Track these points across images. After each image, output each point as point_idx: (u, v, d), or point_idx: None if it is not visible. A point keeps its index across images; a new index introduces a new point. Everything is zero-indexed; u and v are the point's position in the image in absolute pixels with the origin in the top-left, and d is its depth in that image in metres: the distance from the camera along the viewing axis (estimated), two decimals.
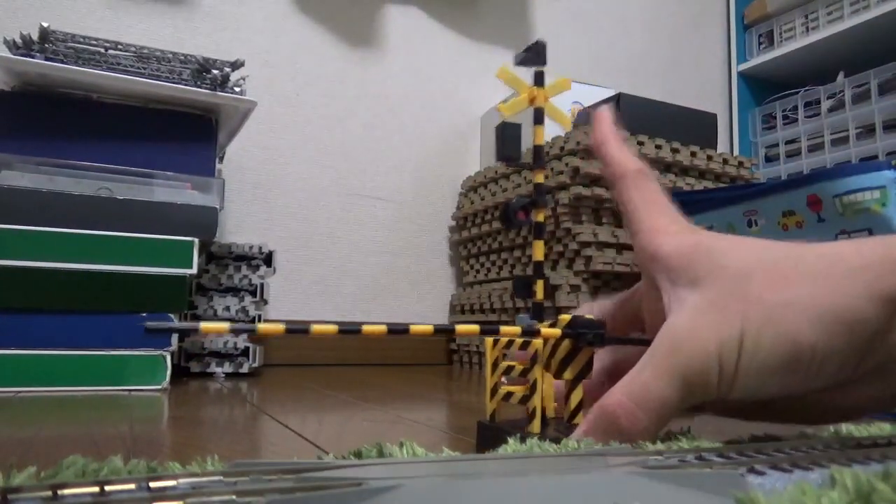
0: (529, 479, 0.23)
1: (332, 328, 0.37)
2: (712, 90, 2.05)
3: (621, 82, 1.86)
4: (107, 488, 0.21)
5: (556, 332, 0.44)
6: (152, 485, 0.21)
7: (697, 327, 0.34)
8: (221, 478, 0.22)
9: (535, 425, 0.45)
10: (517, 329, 0.43)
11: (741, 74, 2.03)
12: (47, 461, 0.27)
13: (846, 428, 0.38)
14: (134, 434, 0.56)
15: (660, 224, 0.40)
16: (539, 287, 0.50)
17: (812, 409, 0.36)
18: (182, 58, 1.00)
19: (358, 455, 0.31)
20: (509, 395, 0.49)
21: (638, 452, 0.29)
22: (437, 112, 1.67)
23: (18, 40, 0.91)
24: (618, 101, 1.28)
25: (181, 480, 0.22)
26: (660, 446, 0.32)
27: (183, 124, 1.02)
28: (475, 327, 0.41)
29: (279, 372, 1.26)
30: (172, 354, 0.93)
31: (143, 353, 0.91)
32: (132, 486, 0.21)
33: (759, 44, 2.00)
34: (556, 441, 0.38)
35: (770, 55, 1.93)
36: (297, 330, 0.37)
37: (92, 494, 0.20)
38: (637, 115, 1.28)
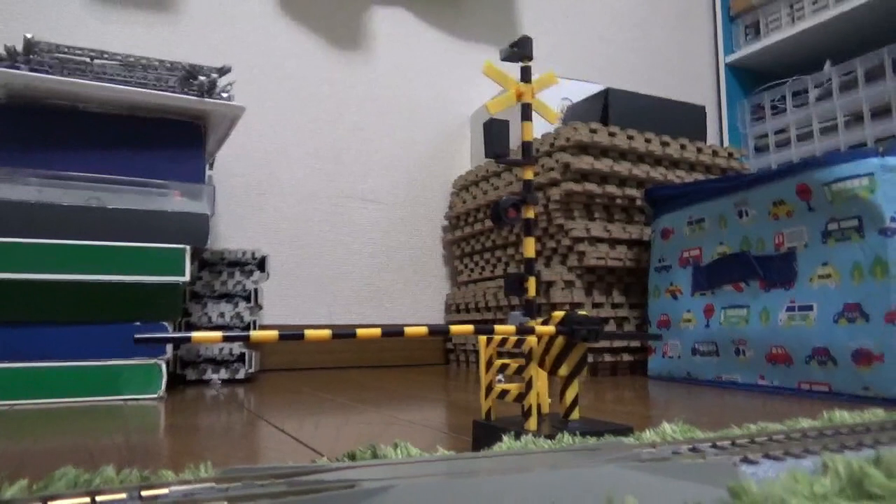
0: (524, 476, 0.23)
1: (326, 333, 0.37)
2: (700, 82, 2.05)
3: (609, 77, 1.87)
4: (98, 498, 0.20)
5: (551, 329, 0.44)
6: (144, 493, 0.21)
7: None
8: (214, 484, 0.22)
9: (532, 423, 0.45)
10: (512, 328, 0.43)
11: (729, 66, 2.03)
12: (41, 473, 0.27)
13: (839, 414, 0.38)
14: (130, 444, 0.56)
15: None
16: (531, 284, 0.50)
17: None
18: (168, 65, 0.99)
19: (352, 457, 0.31)
20: (505, 393, 0.50)
21: (631, 446, 0.29)
22: (426, 112, 1.67)
23: (3, 52, 0.91)
24: (606, 96, 1.29)
25: (173, 488, 0.22)
26: (654, 438, 0.32)
27: (171, 132, 1.01)
28: (469, 327, 0.41)
29: (276, 377, 1.25)
30: (168, 363, 0.93)
31: (137, 362, 0.91)
32: (123, 495, 0.21)
33: (746, 35, 2.01)
34: (551, 437, 0.38)
35: (757, 46, 1.93)
36: (291, 336, 0.37)
37: None
38: (626, 109, 1.29)
